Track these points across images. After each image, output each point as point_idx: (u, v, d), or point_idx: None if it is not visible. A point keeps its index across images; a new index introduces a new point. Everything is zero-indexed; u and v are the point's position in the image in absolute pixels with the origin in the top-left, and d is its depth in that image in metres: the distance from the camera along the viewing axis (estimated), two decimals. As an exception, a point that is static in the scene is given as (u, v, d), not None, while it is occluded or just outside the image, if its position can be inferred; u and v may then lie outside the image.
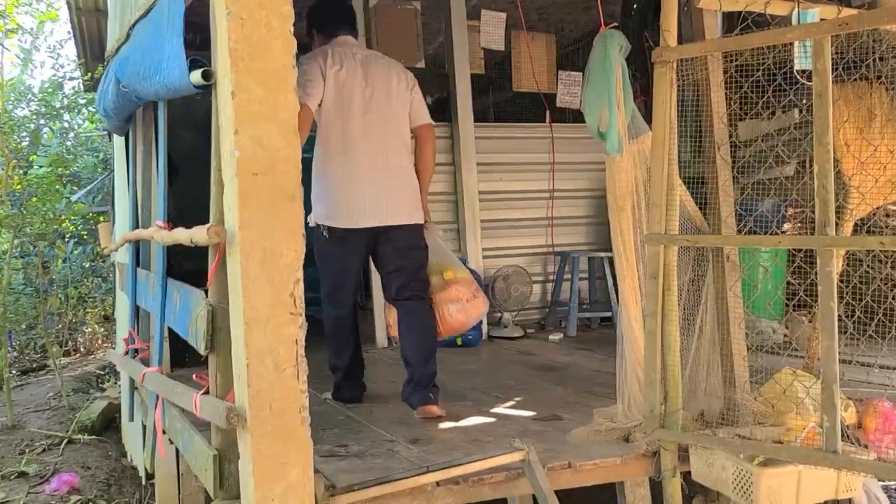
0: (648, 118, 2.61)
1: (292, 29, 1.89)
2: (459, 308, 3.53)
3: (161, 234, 2.52)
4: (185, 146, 4.70)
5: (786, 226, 4.93)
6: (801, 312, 3.92)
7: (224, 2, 1.83)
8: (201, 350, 2.07)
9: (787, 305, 4.11)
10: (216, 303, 2.06)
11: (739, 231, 2.80)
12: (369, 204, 3.04)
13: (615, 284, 3.98)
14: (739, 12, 2.71)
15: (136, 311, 3.42)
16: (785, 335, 4.26)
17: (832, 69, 2.25)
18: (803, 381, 2.63)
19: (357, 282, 3.38)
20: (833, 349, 2.16)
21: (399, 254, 3.13)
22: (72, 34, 7.07)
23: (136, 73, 2.60)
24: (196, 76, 2.00)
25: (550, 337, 4.95)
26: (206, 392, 2.09)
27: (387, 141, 3.10)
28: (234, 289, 1.86)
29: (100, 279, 8.56)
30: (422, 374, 3.06)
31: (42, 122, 7.22)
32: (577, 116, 4.80)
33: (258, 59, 1.85)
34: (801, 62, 2.58)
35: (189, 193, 3.74)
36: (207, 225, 1.94)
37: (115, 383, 6.42)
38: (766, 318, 4.20)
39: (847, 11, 2.74)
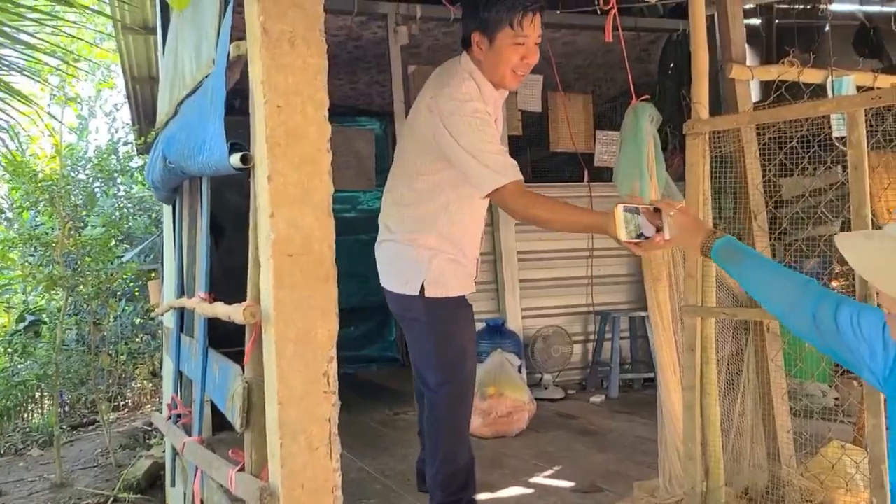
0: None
1: (326, 115, 1.96)
2: (485, 422, 3.53)
3: (202, 307, 2.58)
4: (231, 207, 4.85)
5: (833, 283, 4.82)
6: (849, 377, 3.80)
7: (261, 91, 1.91)
8: (237, 427, 2.10)
9: (835, 370, 3.99)
10: (252, 379, 2.09)
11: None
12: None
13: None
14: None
15: (180, 377, 3.48)
16: (836, 399, 4.12)
17: (870, 136, 2.22)
18: (852, 455, 2.54)
19: (414, 356, 2.83)
20: (880, 427, 2.08)
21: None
22: (126, 100, 7.42)
23: (182, 150, 2.71)
24: (236, 160, 2.08)
25: (592, 399, 4.88)
26: (242, 468, 2.11)
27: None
28: (269, 368, 1.89)
29: (149, 336, 8.75)
30: (429, 479, 2.65)
31: (97, 185, 7.51)
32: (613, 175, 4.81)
33: (294, 145, 1.92)
34: (837, 130, 2.56)
35: (234, 253, 3.84)
36: (243, 304, 1.99)
37: (161, 441, 6.51)
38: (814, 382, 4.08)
39: (883, 78, 2.72)
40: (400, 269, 2.58)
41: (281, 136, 1.92)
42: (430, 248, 2.54)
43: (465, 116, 2.34)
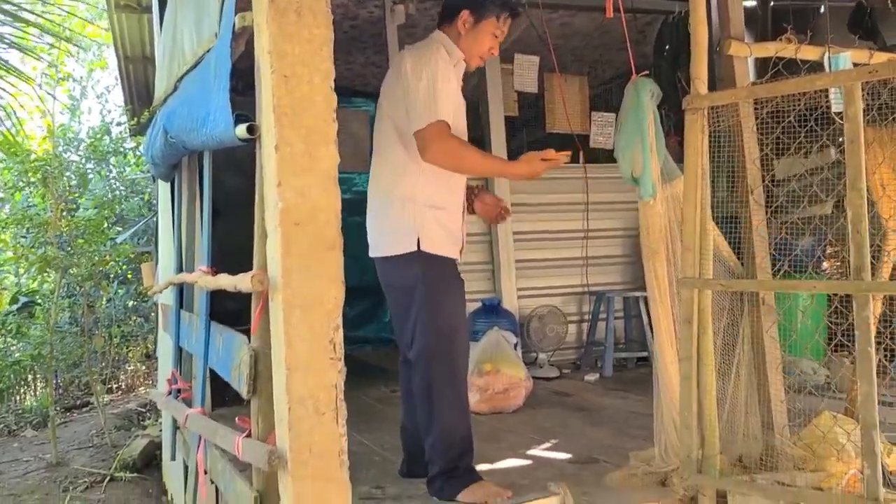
0: (682, 157, 2.63)
1: (332, 85, 1.98)
2: (482, 399, 3.55)
3: (205, 280, 2.60)
4: (228, 189, 4.84)
5: (825, 264, 4.88)
6: (841, 353, 3.86)
7: (269, 61, 1.93)
8: (244, 394, 2.13)
9: (827, 346, 4.05)
10: (259, 347, 2.12)
11: (775, 273, 2.80)
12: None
13: (650, 324, 4.00)
14: (771, 57, 2.76)
15: (179, 352, 3.51)
16: (826, 376, 4.19)
17: (867, 112, 2.26)
18: (844, 425, 2.59)
19: (401, 327, 2.77)
20: (872, 395, 2.13)
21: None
22: (119, 80, 7.37)
23: (184, 124, 2.71)
24: (241, 130, 2.09)
25: (586, 377, 4.94)
26: (248, 435, 2.14)
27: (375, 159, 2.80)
28: (277, 335, 1.92)
29: (142, 318, 8.75)
30: (427, 448, 2.62)
31: (90, 166, 7.47)
32: (610, 157, 4.84)
33: (301, 115, 1.93)
34: (836, 105, 2.59)
35: (231, 234, 3.85)
36: (251, 272, 2.01)
37: (156, 421, 6.54)
38: (807, 358, 4.14)
39: (879, 55, 2.76)
40: (395, 227, 2.64)
41: (288, 105, 1.94)
42: (422, 206, 2.62)
43: (429, 66, 2.55)
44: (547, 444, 3.34)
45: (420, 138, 2.51)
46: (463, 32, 2.70)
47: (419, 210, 2.60)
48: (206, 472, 2.92)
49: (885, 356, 2.63)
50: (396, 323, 2.83)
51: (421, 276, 2.59)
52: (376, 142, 2.78)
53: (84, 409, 7.82)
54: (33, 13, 3.25)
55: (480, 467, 2.95)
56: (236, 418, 2.23)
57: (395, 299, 2.77)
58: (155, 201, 7.47)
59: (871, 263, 2.24)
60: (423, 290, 2.59)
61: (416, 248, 2.59)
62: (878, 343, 2.53)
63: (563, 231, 5.45)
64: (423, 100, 2.51)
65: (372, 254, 2.77)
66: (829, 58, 2.68)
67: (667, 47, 5.56)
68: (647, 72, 2.73)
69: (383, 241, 2.71)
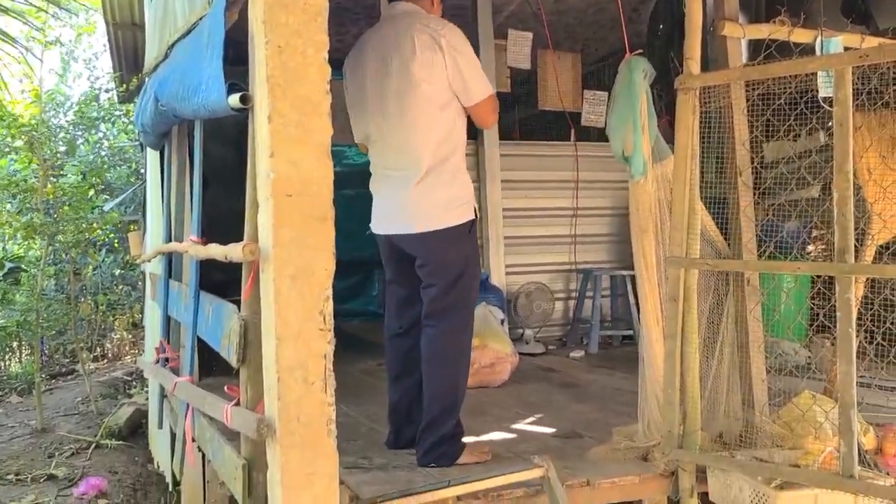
0: (673, 137, 2.65)
1: (326, 56, 1.97)
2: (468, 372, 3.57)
3: (195, 249, 2.60)
4: (216, 159, 4.81)
5: (809, 247, 4.93)
6: (822, 335, 3.92)
7: (263, 30, 1.92)
8: (233, 363, 2.15)
9: (808, 328, 4.11)
10: (248, 317, 2.13)
11: (760, 255, 2.83)
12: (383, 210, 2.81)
13: (637, 302, 4.04)
14: (763, 39, 2.77)
15: (168, 322, 3.51)
16: (807, 357, 4.26)
17: (856, 96, 2.28)
18: (822, 404, 2.65)
19: (403, 300, 2.85)
20: (851, 374, 2.18)
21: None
22: (107, 47, 7.27)
23: (175, 93, 2.70)
24: (234, 100, 2.09)
25: (572, 354, 4.99)
26: (237, 403, 2.16)
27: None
28: (267, 304, 1.93)
29: (129, 287, 8.72)
30: (426, 419, 2.68)
31: (78, 132, 7.40)
32: (601, 135, 4.86)
33: (294, 86, 1.93)
34: (824, 89, 2.61)
35: (219, 205, 3.84)
36: (242, 242, 2.02)
37: (142, 389, 6.55)
38: (788, 339, 4.20)
39: (871, 40, 2.78)
40: (451, 198, 2.64)
41: (281, 76, 1.93)
42: (466, 174, 2.71)
43: (466, 42, 2.64)
44: (531, 419, 3.39)
45: (484, 109, 2.67)
46: (436, 3, 2.80)
47: (468, 179, 2.71)
48: (193, 440, 2.94)
49: (866, 338, 2.68)
50: (402, 293, 2.83)
51: (471, 247, 2.72)
52: (396, 112, 2.64)
53: (69, 377, 7.81)
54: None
55: (466, 439, 2.99)
56: (225, 387, 2.25)
57: (426, 271, 2.70)
58: (143, 170, 7.41)
59: (855, 246, 2.27)
60: (472, 247, 2.73)
61: (473, 217, 2.68)
62: (859, 325, 2.58)
63: (552, 208, 5.47)
64: (478, 74, 2.63)
65: (409, 230, 2.66)
66: (821, 41, 2.69)
67: (661, 26, 5.54)
68: (640, 51, 2.74)
69: (435, 214, 2.62)
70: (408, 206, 2.65)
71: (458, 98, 2.63)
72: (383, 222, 2.78)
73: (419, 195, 2.63)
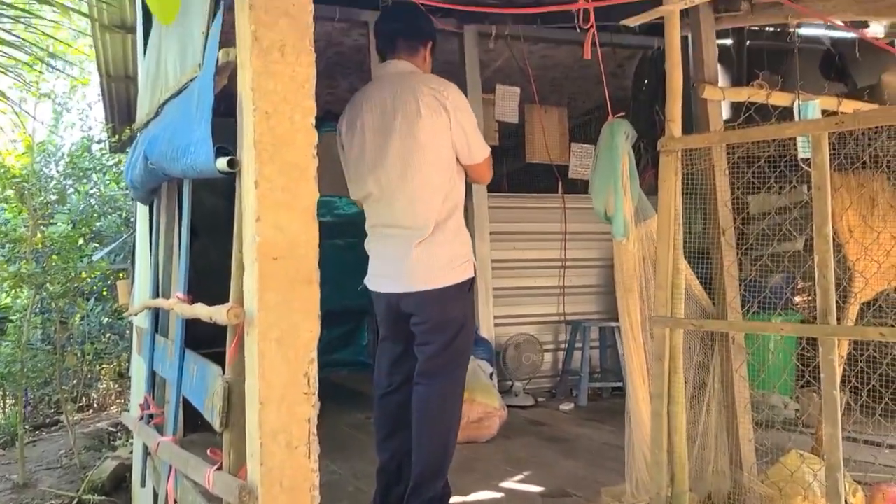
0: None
1: (314, 122, 2.01)
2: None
3: (181, 307, 2.60)
4: (206, 209, 4.85)
5: (796, 299, 4.96)
6: (810, 388, 3.92)
7: (251, 97, 1.95)
8: (216, 427, 2.13)
9: (797, 382, 4.12)
10: (232, 379, 2.12)
11: (745, 312, 2.85)
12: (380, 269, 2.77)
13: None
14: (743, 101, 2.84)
15: (153, 377, 3.48)
16: (796, 410, 4.25)
17: (834, 157, 2.33)
18: (811, 464, 2.64)
19: (397, 357, 2.80)
20: (836, 437, 2.18)
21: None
22: (101, 98, 7.35)
23: (164, 152, 2.72)
24: (222, 164, 2.11)
25: (561, 406, 4.96)
26: (220, 468, 2.14)
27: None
28: (251, 368, 1.93)
29: (117, 336, 8.66)
30: (414, 480, 2.62)
31: (69, 182, 7.43)
32: (588, 187, 4.93)
33: (281, 151, 1.96)
34: (803, 152, 2.67)
35: (208, 255, 3.84)
36: (227, 305, 2.02)
37: (127, 441, 6.45)
38: (776, 393, 4.20)
39: (847, 102, 2.84)
40: (453, 255, 2.65)
41: (268, 142, 1.96)
42: (466, 230, 2.75)
43: (465, 100, 2.71)
44: (520, 476, 3.36)
45: (484, 168, 2.76)
46: (428, 60, 2.83)
47: (468, 236, 2.75)
48: (175, 502, 2.89)
49: (851, 396, 2.69)
50: (397, 350, 2.78)
51: (469, 304, 2.76)
52: (400, 173, 2.62)
53: (53, 428, 7.71)
54: (9, 33, 3.24)
55: (453, 500, 2.96)
56: (208, 450, 2.23)
57: (423, 329, 2.66)
58: (133, 219, 7.42)
59: (838, 305, 2.29)
60: (466, 317, 2.72)
61: (472, 274, 2.71)
62: (845, 382, 2.59)
63: (541, 260, 5.50)
64: (478, 133, 2.70)
65: (410, 289, 2.62)
66: (798, 105, 2.76)
67: (645, 82, 5.67)
68: (623, 113, 2.80)
69: (438, 273, 2.61)
70: (410, 265, 2.62)
71: (459, 156, 2.66)
72: (382, 280, 2.74)
73: (422, 254, 2.61)
